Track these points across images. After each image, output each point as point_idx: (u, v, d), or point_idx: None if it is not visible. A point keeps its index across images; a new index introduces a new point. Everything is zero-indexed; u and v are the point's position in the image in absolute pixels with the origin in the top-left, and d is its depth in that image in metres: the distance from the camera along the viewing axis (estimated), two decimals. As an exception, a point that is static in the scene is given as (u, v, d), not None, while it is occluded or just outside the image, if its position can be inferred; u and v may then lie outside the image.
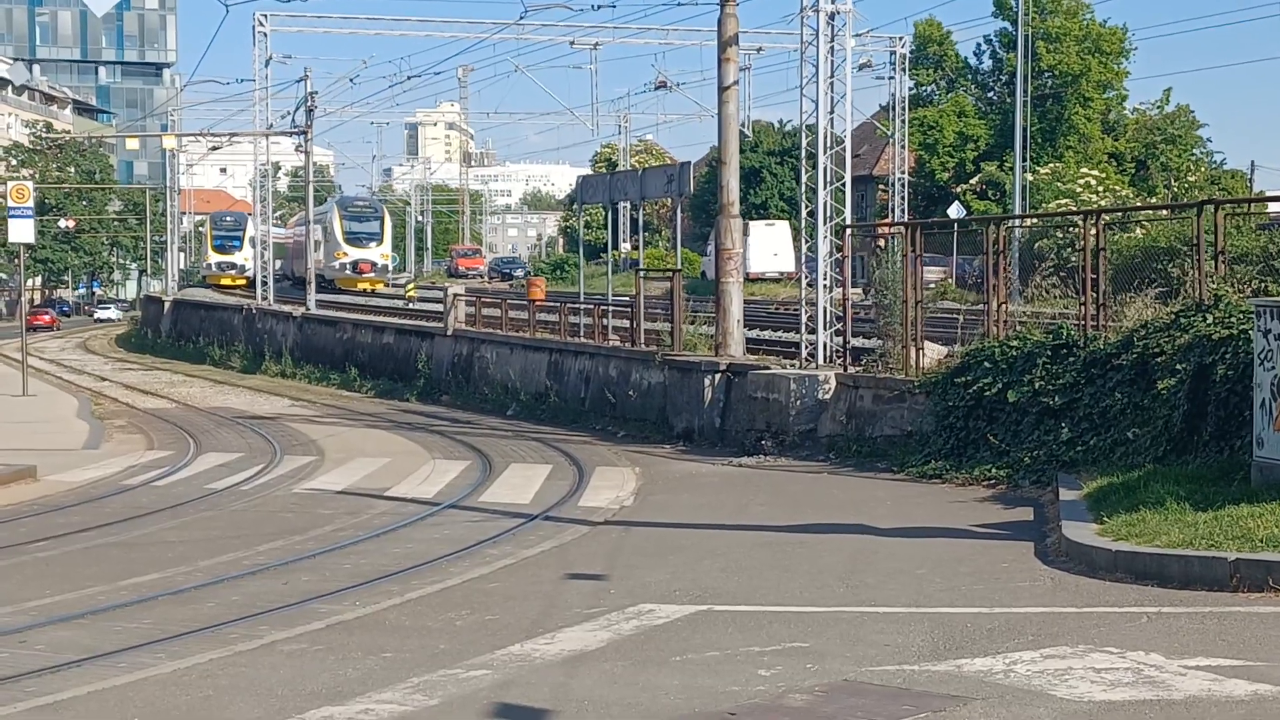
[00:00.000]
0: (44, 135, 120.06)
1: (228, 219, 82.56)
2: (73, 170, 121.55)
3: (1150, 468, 15.36)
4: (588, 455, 23.55)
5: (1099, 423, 17.25)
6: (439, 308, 41.82)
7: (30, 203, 37.22)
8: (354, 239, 64.76)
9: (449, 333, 37.73)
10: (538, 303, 37.72)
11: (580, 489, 19.73)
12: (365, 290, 63.87)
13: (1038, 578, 12.44)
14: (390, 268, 68.49)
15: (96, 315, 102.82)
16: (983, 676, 9.20)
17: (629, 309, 31.42)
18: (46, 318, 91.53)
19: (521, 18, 39.01)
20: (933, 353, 21.73)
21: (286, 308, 53.51)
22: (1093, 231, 19.16)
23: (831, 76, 24.91)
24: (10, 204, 37.51)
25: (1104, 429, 17.13)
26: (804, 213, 25.53)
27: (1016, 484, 17.58)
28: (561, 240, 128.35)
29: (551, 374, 32.05)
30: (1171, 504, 13.19)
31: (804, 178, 25.40)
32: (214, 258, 79.19)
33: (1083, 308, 18.79)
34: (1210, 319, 15.99)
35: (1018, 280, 21.50)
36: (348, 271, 63.73)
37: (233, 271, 76.87)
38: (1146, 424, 16.38)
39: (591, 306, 34.27)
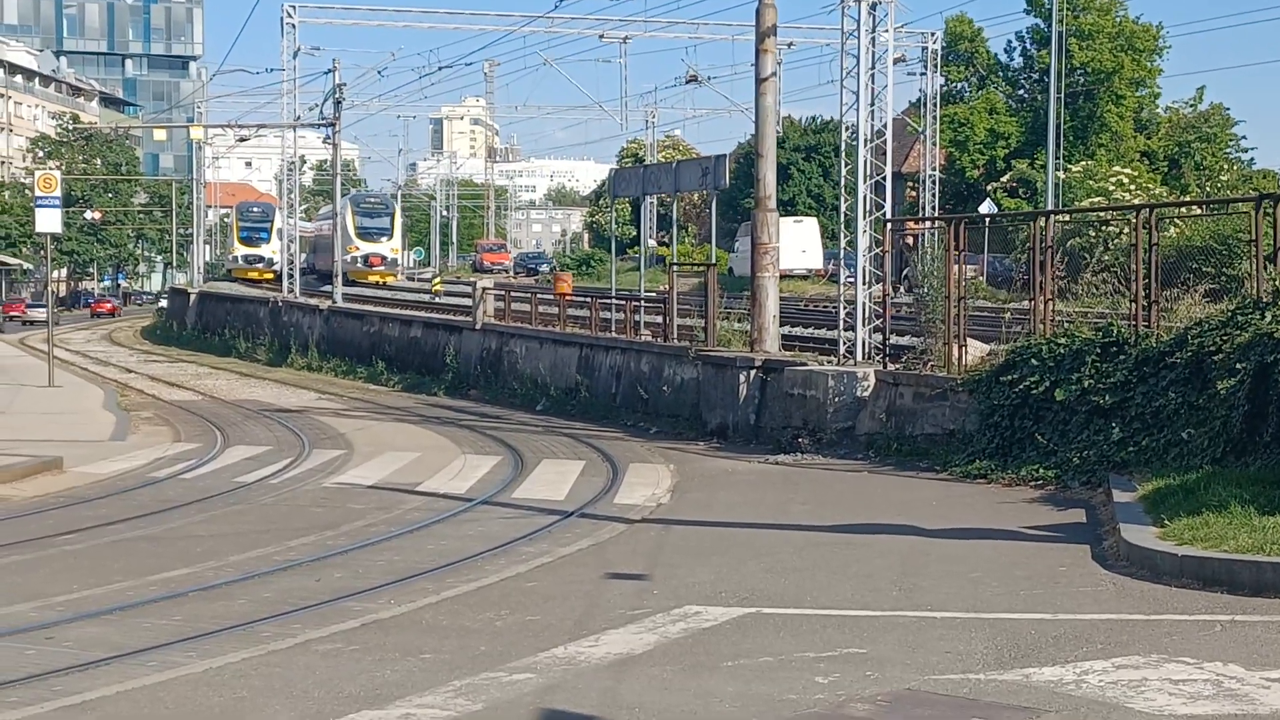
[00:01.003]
0: (71, 127, 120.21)
1: (254, 210, 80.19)
2: (99, 162, 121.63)
3: (1208, 470, 14.91)
4: (621, 451, 23.15)
5: (1152, 423, 16.80)
6: (466, 302, 41.48)
7: (58, 192, 36.90)
8: (365, 234, 67.28)
9: (477, 327, 37.37)
10: (568, 297, 37.34)
11: (615, 486, 19.33)
12: (376, 282, 65.91)
13: (1099, 583, 12.00)
14: (400, 261, 73.41)
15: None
16: (1053, 687, 8.78)
17: (660, 304, 31.01)
18: (109, 305, 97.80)
19: (556, 7, 38.52)
20: (975, 350, 21.29)
21: (313, 301, 53.23)
22: (1143, 227, 18.63)
23: (872, 69, 24.48)
24: (38, 193, 37.22)
25: (1157, 429, 16.67)
26: (842, 207, 25.12)
27: (1065, 485, 17.13)
28: (587, 235, 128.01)
29: (582, 369, 31.67)
30: (1235, 507, 12.74)
31: (843, 171, 24.96)
32: (240, 250, 77.08)
33: (1133, 305, 18.32)
34: (1269, 316, 15.51)
35: (1066, 277, 20.97)
36: (359, 265, 65.70)
37: (260, 265, 74.52)
38: (1202, 424, 15.93)
39: (623, 301, 33.86)
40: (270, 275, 70.82)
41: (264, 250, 75.23)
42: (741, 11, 52.03)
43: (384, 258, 67.98)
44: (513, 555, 14.13)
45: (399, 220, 72.03)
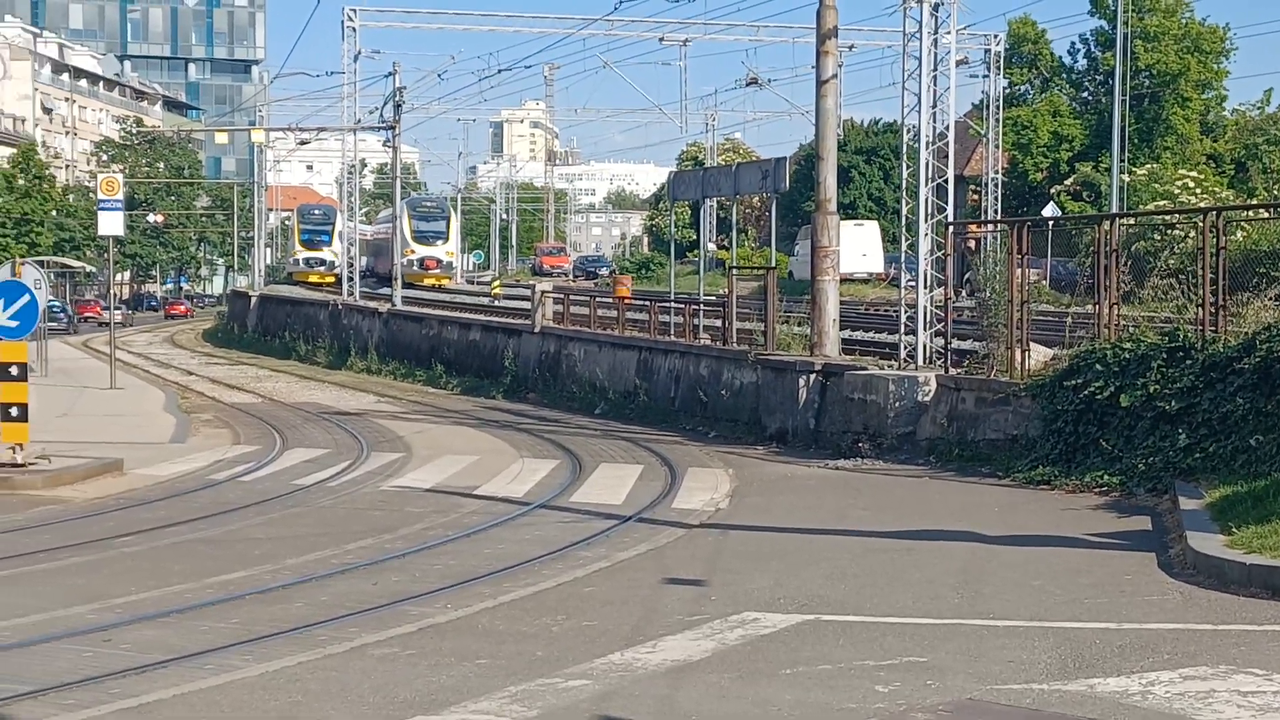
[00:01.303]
0: (134, 131, 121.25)
1: (316, 212, 78.83)
2: (162, 166, 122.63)
3: (1277, 477, 14.63)
4: (679, 455, 23.03)
5: (1219, 429, 16.52)
6: (525, 305, 41.49)
7: (120, 196, 37.20)
8: (421, 237, 67.86)
9: (536, 330, 37.35)
10: (626, 301, 37.26)
11: (673, 490, 19.21)
12: (431, 285, 66.69)
13: (1165, 591, 11.80)
14: (455, 265, 73.35)
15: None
16: (1119, 698, 8.61)
17: (719, 308, 30.87)
18: (182, 308, 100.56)
19: (616, 9, 38.47)
20: (1038, 355, 21.04)
21: (372, 304, 53.40)
22: (1210, 231, 18.34)
23: (934, 70, 24.26)
24: (101, 196, 37.54)
25: (1224, 435, 16.40)
26: (903, 210, 24.89)
27: (1130, 491, 16.89)
28: (646, 239, 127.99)
29: (641, 372, 31.57)
30: (1305, 515, 12.50)
31: (904, 174, 24.75)
32: (301, 253, 75.80)
33: (1199, 310, 18.04)
34: (1340, 321, 15.24)
35: (1131, 280, 20.69)
36: (415, 268, 66.29)
37: (321, 268, 72.94)
38: (1271, 431, 15.65)
39: (682, 305, 33.76)
40: (331, 279, 69.62)
41: (325, 253, 74.03)
42: (802, 14, 51.91)
43: (439, 261, 68.74)
44: (570, 560, 14.05)
45: (455, 224, 74.12)
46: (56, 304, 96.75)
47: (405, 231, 66.19)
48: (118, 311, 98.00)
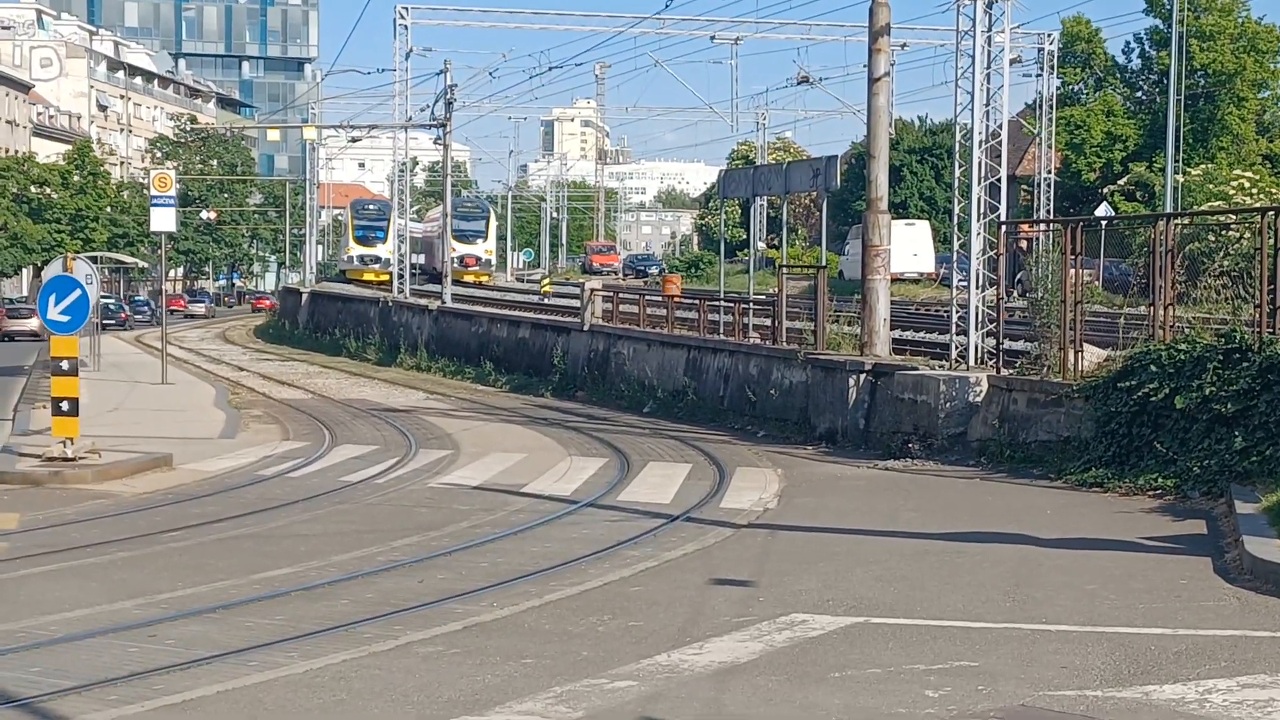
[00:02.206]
0: (188, 128, 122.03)
1: (370, 207, 76.00)
2: (215, 163, 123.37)
3: (1335, 481, 14.40)
4: (728, 455, 22.91)
5: (1276, 432, 16.28)
6: (574, 303, 41.41)
7: (172, 192, 37.33)
8: (461, 235, 68.26)
9: (585, 328, 37.28)
10: (675, 299, 37.14)
11: (721, 490, 19.09)
12: (471, 281, 67.88)
13: (1222, 597, 11.60)
14: (493, 262, 74.86)
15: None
16: (1174, 706, 8.45)
17: (769, 306, 30.73)
18: (267, 302, 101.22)
19: (666, 7, 38.39)
20: (1091, 356, 20.80)
21: (422, 301, 53.47)
22: (1267, 231, 18.07)
23: (988, 68, 24.05)
24: (153, 193, 37.70)
25: (1282, 439, 16.15)
26: (955, 209, 24.70)
27: (1185, 495, 16.67)
28: (696, 238, 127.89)
29: (689, 371, 31.46)
30: (1366, 521, 12.28)
31: (956, 173, 24.54)
32: (356, 250, 73.46)
33: (1256, 311, 17.78)
34: (1401, 324, 14.97)
35: (1185, 281, 20.43)
36: (455, 264, 66.37)
37: (376, 265, 70.37)
38: (1330, 434, 15.40)
39: (731, 304, 33.61)
40: (386, 276, 67.49)
41: (380, 250, 71.56)
42: (854, 12, 51.60)
43: (478, 258, 69.94)
44: (617, 559, 13.96)
45: (493, 223, 76.28)
46: (141, 299, 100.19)
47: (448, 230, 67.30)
48: (200, 304, 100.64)
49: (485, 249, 71.78)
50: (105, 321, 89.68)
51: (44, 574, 13.19)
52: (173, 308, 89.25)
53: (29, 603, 11.84)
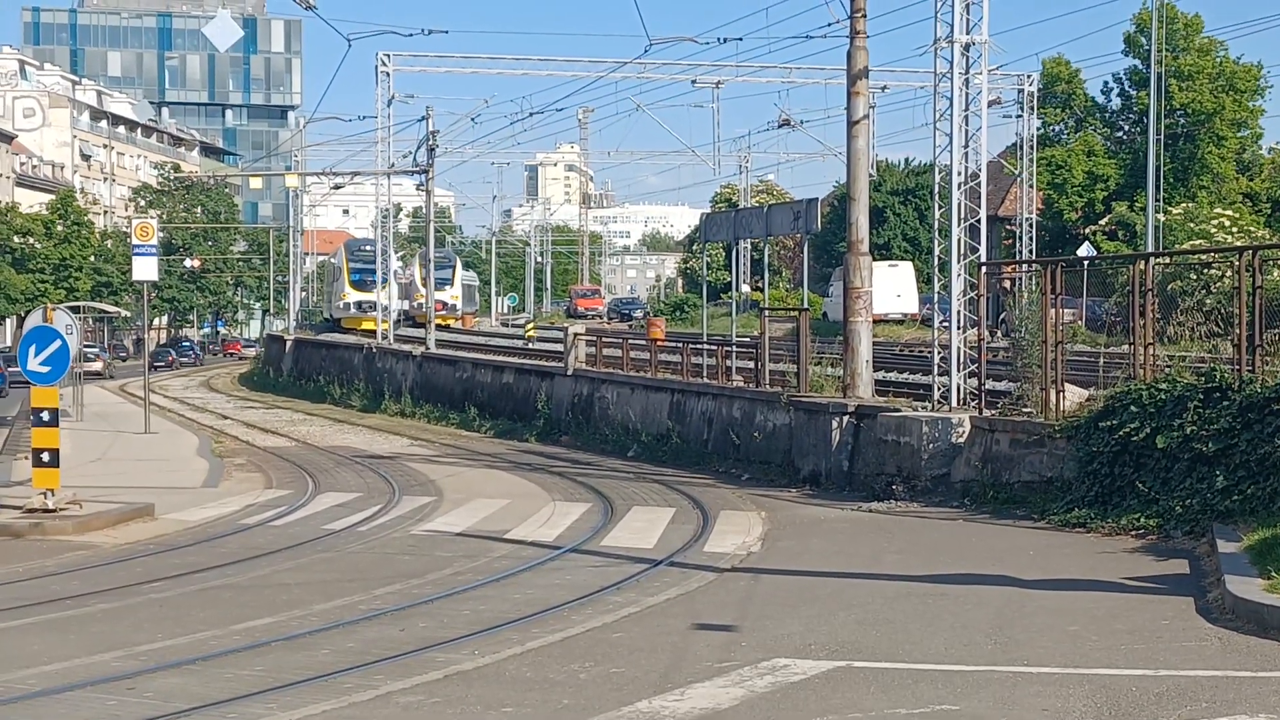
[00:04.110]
0: (172, 176, 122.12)
1: (368, 248, 69.25)
2: (199, 211, 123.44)
3: (1317, 519, 14.40)
4: (712, 498, 22.87)
5: (1257, 470, 16.29)
6: (558, 348, 41.42)
7: (154, 241, 37.37)
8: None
9: (569, 372, 37.29)
10: (659, 343, 37.15)
11: (705, 534, 19.05)
12: (441, 325, 68.11)
13: (1204, 637, 11.58)
14: (459, 307, 76.07)
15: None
16: (1156, 748, 8.42)
17: (752, 349, 30.74)
18: (239, 346, 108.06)
19: (646, 52, 38.55)
20: (1073, 395, 20.83)
21: (406, 346, 53.46)
22: (1246, 270, 18.13)
23: (966, 110, 24.13)
24: (135, 242, 37.74)
25: (1263, 477, 16.17)
26: (936, 250, 24.73)
27: (1168, 534, 16.66)
28: (680, 281, 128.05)
29: (673, 415, 31.45)
30: (1346, 560, 12.27)
31: (937, 214, 24.61)
32: (353, 296, 67.99)
33: (1236, 350, 17.83)
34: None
35: (1164, 319, 20.47)
36: (422, 309, 66.97)
37: (375, 312, 63.75)
38: (1311, 472, 15.40)
39: (714, 347, 33.63)
40: (387, 325, 62.20)
41: (381, 296, 65.35)
42: (834, 55, 51.95)
43: (445, 304, 70.14)
44: (599, 605, 13.91)
45: (459, 271, 78.83)
46: (187, 342, 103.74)
47: (415, 278, 70.27)
48: (252, 348, 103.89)
49: (451, 294, 73.26)
50: (155, 364, 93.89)
51: (22, 627, 13.11)
52: (230, 351, 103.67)
53: (6, 657, 11.76)
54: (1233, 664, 10.64)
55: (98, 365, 76.51)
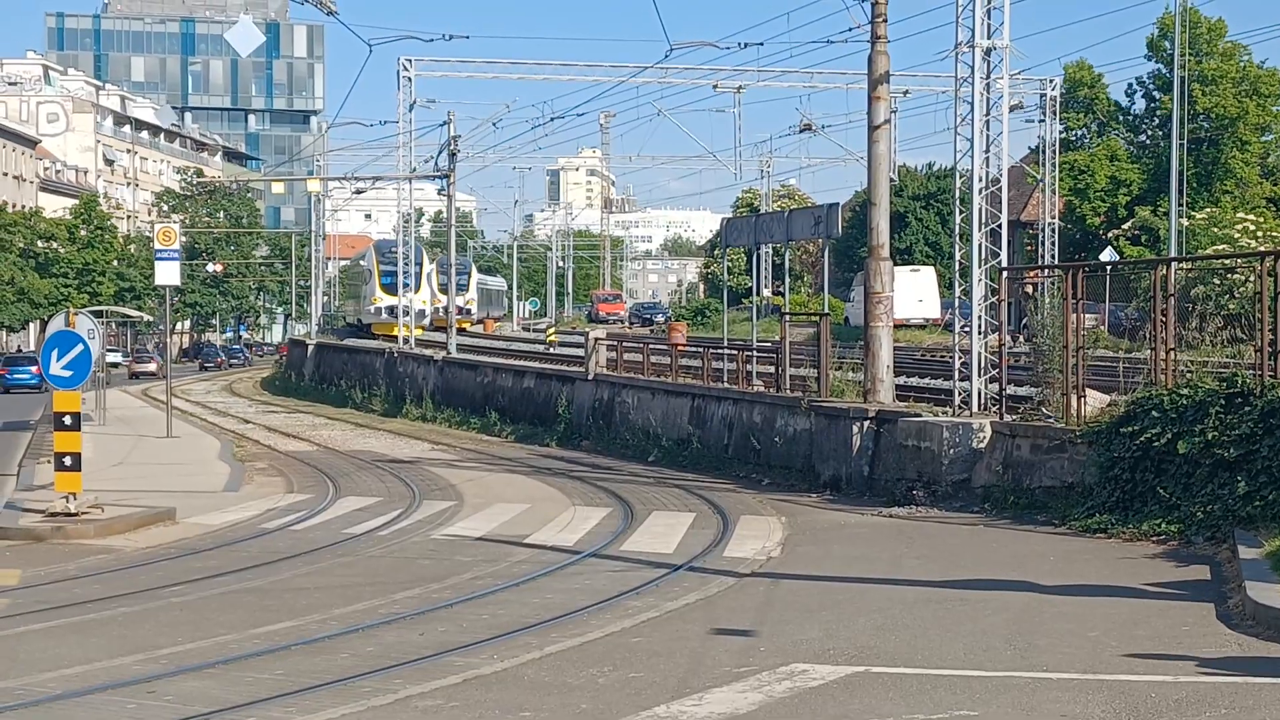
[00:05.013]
0: (194, 181, 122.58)
1: (402, 250, 62.22)
2: (221, 215, 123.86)
3: (1339, 525, 14.33)
4: (732, 503, 22.87)
5: (1279, 476, 16.22)
6: (579, 353, 41.44)
7: (176, 245, 37.53)
8: (443, 288, 69.38)
9: (590, 377, 37.30)
10: (680, 347, 37.14)
11: (725, 538, 19.04)
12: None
13: (1224, 643, 11.54)
14: (474, 311, 77.92)
15: (134, 370, 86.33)
16: (1175, 754, 8.40)
17: (773, 354, 30.71)
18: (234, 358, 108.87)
19: (667, 56, 38.55)
20: (1094, 401, 20.77)
21: (428, 351, 53.53)
22: (1269, 275, 18.05)
23: (987, 115, 24.09)
24: (157, 246, 37.87)
25: (1284, 483, 16.09)
26: (957, 255, 24.69)
27: (1189, 540, 16.60)
28: (702, 286, 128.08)
29: (694, 419, 31.44)
30: (1368, 565, 12.22)
31: (958, 219, 24.57)
32: (384, 300, 65.02)
33: (1258, 355, 17.76)
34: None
35: (1188, 324, 20.39)
36: (440, 314, 67.83)
37: (408, 319, 61.09)
38: (1333, 478, 15.33)
39: (735, 351, 33.62)
40: (421, 330, 60.33)
41: (414, 300, 63.06)
42: (855, 60, 51.86)
43: (460, 308, 70.96)
44: (618, 610, 13.91)
45: (474, 276, 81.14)
46: (237, 347, 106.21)
47: (433, 284, 71.40)
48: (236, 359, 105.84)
49: (467, 299, 74.57)
50: (205, 365, 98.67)
51: (44, 630, 13.17)
52: (284, 352, 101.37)
53: (28, 660, 11.83)
54: (1253, 670, 10.59)
55: (152, 366, 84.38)
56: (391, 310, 62.43)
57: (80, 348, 20.51)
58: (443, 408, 45.84)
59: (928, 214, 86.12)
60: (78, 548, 18.78)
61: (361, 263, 75.08)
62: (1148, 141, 70.28)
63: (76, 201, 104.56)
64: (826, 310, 29.67)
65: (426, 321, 65.79)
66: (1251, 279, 21.96)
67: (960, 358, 24.34)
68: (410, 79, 54.03)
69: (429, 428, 42.59)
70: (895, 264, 27.90)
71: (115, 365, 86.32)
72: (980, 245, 24.01)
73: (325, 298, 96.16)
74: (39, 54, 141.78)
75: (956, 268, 24.79)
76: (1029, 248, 67.53)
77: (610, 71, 55.73)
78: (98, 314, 39.66)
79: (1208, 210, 58.41)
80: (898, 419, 23.65)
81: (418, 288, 65.43)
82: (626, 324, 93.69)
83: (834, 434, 25.11)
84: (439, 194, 59.68)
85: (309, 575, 16.55)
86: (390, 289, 63.91)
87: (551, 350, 52.69)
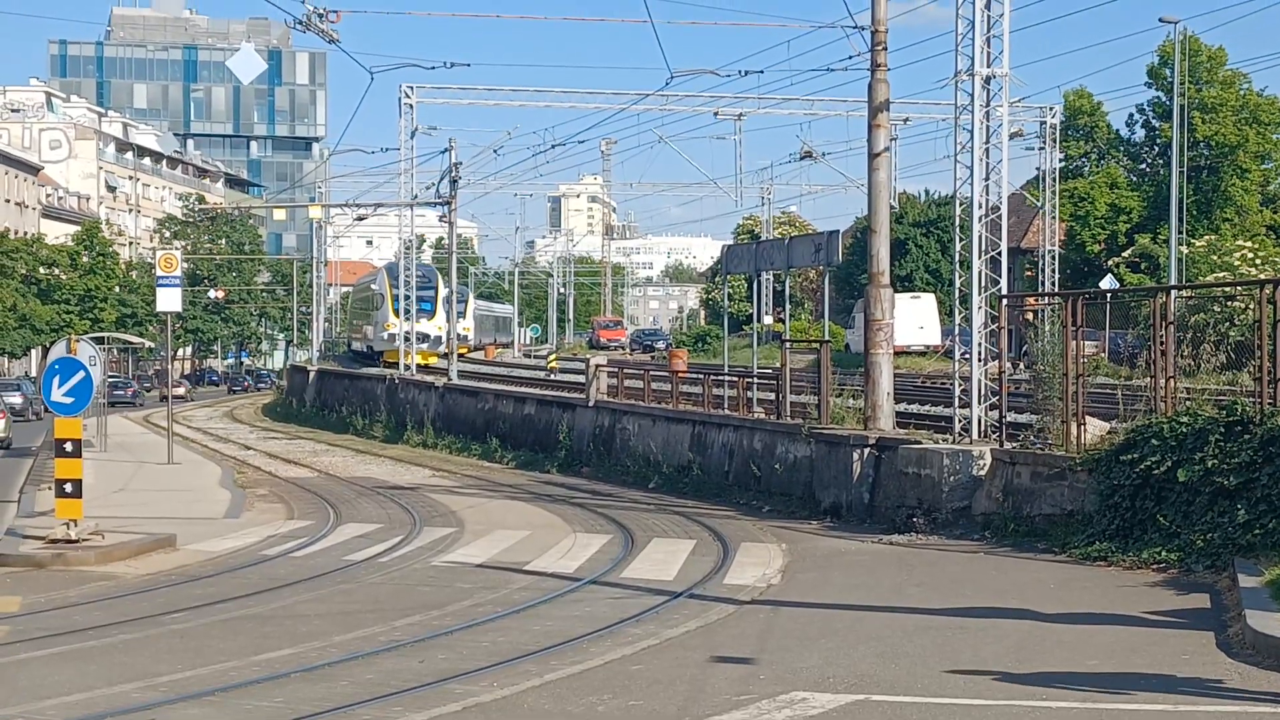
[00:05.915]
0: (196, 208, 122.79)
1: (416, 273, 60.71)
2: (223, 242, 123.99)
3: (1339, 554, 14.33)
4: (732, 530, 22.87)
5: (1278, 504, 16.23)
6: (580, 379, 41.48)
7: (178, 272, 37.58)
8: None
9: (591, 404, 37.33)
10: (680, 374, 37.17)
11: (725, 566, 19.05)
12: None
13: (1224, 672, 11.53)
14: (470, 338, 76.09)
15: (164, 393, 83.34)
16: (1174, 783, 8.40)
17: (774, 381, 30.75)
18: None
19: (668, 82, 38.60)
20: (1094, 428, 20.78)
21: (429, 378, 53.59)
22: (1268, 303, 18.09)
23: (987, 142, 24.16)
24: (159, 273, 37.92)
25: (1285, 511, 16.09)
26: (957, 282, 24.73)
27: (1189, 568, 16.60)
28: (703, 312, 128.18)
29: (694, 446, 31.46)
30: (1367, 594, 12.22)
31: (958, 246, 24.62)
32: (397, 326, 61.80)
33: (1257, 383, 17.78)
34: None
35: (1178, 354, 20.41)
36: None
37: (424, 346, 60.58)
38: (1332, 506, 15.34)
39: (736, 378, 33.65)
40: (436, 358, 58.76)
41: (429, 327, 62.27)
42: (855, 87, 51.97)
43: (458, 335, 70.95)
44: (619, 637, 13.91)
45: (471, 303, 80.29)
46: (265, 372, 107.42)
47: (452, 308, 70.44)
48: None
49: (464, 326, 73.56)
50: (233, 389, 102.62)
51: (45, 657, 13.16)
52: None
53: (28, 687, 11.82)
54: (1253, 699, 10.60)
55: (181, 390, 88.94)
56: (408, 336, 59.12)
57: (81, 374, 20.54)
58: (444, 434, 45.88)
59: (928, 241, 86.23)
60: (78, 574, 18.76)
61: (373, 286, 71.25)
62: (1148, 169, 70.49)
63: (78, 228, 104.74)
64: (827, 337, 29.71)
65: (442, 348, 60.93)
66: (1251, 307, 22.00)
67: (961, 385, 24.37)
68: (412, 106, 54.13)
69: (430, 454, 42.61)
70: (896, 291, 27.96)
71: (149, 389, 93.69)
72: (980, 272, 24.05)
73: (327, 324, 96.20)
74: (42, 81, 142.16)
75: (957, 295, 24.82)
76: (1029, 274, 67.63)
77: (611, 99, 55.71)
78: (99, 340, 39.62)
79: (1207, 238, 58.52)
80: (898, 446, 23.67)
81: (433, 313, 63.31)
82: (627, 350, 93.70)
83: (834, 461, 25.12)
84: (440, 220, 59.71)
85: (309, 602, 16.54)
86: (407, 314, 60.01)
87: (552, 377, 52.73)
